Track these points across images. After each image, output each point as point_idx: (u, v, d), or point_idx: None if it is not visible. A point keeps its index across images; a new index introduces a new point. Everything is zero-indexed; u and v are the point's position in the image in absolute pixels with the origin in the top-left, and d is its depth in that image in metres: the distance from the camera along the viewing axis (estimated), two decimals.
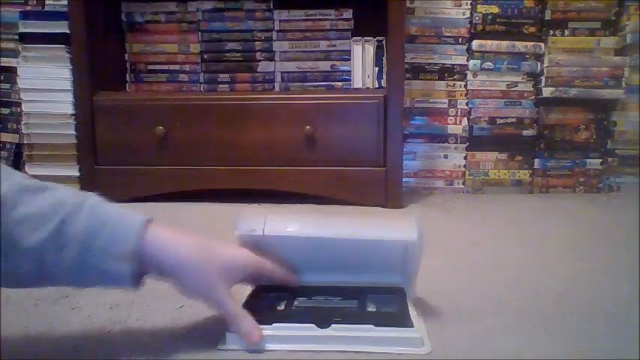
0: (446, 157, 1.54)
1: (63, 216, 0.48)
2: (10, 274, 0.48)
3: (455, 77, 1.51)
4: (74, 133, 1.43)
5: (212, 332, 0.57)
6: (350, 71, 1.47)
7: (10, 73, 1.50)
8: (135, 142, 1.35)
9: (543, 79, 1.48)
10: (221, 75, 1.51)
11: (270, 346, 0.54)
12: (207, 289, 0.53)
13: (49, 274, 0.49)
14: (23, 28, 1.45)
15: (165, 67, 1.52)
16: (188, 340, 0.57)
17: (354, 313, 0.58)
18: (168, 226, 0.54)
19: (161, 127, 1.32)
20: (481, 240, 1.03)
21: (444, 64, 1.51)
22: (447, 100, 1.52)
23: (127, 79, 1.53)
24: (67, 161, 1.45)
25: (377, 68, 1.45)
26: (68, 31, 1.39)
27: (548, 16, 1.48)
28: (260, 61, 1.50)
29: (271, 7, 1.48)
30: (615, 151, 1.52)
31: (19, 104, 1.48)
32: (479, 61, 1.49)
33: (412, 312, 0.59)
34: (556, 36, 1.48)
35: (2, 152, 1.53)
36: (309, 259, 0.62)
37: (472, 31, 1.49)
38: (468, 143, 1.53)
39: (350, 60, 1.47)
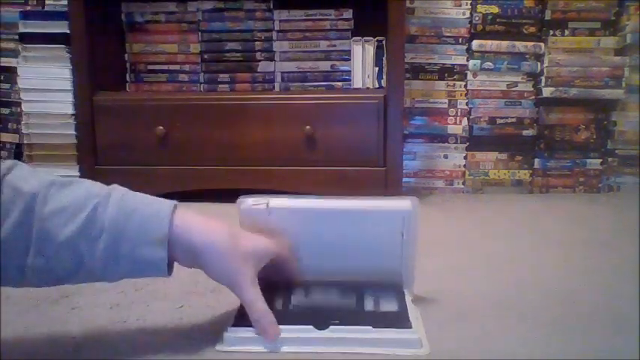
0: (446, 157, 1.54)
1: (93, 206, 0.49)
2: (45, 269, 0.49)
3: (455, 77, 1.51)
4: (74, 133, 1.43)
5: (212, 332, 0.58)
6: (350, 71, 1.47)
7: (10, 73, 1.49)
8: (135, 142, 1.35)
9: (543, 79, 1.48)
10: (221, 75, 1.51)
11: (267, 348, 0.54)
12: (233, 276, 0.53)
13: (83, 267, 0.50)
14: (23, 28, 1.45)
15: (165, 67, 1.52)
16: (188, 340, 0.57)
17: (352, 313, 0.58)
18: (194, 210, 0.54)
19: (161, 127, 1.32)
20: (481, 240, 1.03)
21: (444, 64, 1.51)
22: (447, 100, 1.52)
23: (127, 79, 1.53)
24: (67, 161, 1.45)
25: (377, 68, 1.45)
26: (68, 31, 1.39)
27: (548, 16, 1.48)
28: (260, 61, 1.50)
29: (271, 7, 1.48)
30: (615, 151, 1.52)
31: (19, 104, 1.48)
32: (479, 61, 1.49)
33: (411, 311, 0.59)
34: (556, 36, 1.48)
35: (2, 152, 1.53)
36: (312, 233, 0.62)
37: (472, 31, 1.49)
38: (468, 143, 1.53)
39: (350, 60, 1.47)
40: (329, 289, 0.62)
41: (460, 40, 1.50)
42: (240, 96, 1.42)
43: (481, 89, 1.51)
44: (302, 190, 1.31)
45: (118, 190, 0.52)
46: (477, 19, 1.48)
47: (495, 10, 1.48)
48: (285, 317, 0.56)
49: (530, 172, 1.53)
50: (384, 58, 1.44)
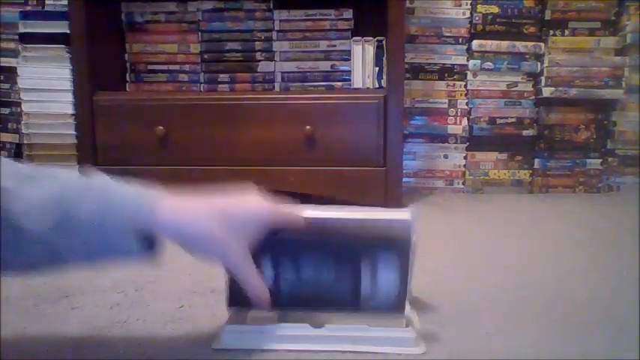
0: (446, 157, 1.54)
1: (70, 201, 0.48)
2: (22, 261, 0.48)
3: (455, 77, 1.51)
4: (74, 133, 1.43)
5: (212, 332, 0.57)
6: (350, 71, 1.47)
7: (10, 73, 1.50)
8: (135, 142, 1.35)
9: (543, 79, 1.48)
10: (221, 75, 1.51)
11: (263, 346, 0.54)
12: (223, 256, 0.52)
13: (61, 259, 0.49)
14: (23, 28, 1.45)
15: (165, 67, 1.52)
16: (187, 340, 0.57)
17: (347, 302, 0.55)
18: (177, 196, 0.53)
19: (161, 127, 1.32)
20: (481, 240, 1.03)
21: (444, 64, 1.51)
22: (447, 100, 1.52)
23: (127, 79, 1.53)
24: (67, 161, 1.45)
25: (377, 68, 1.45)
26: (68, 31, 1.39)
27: (548, 16, 1.48)
28: (260, 61, 1.50)
29: (271, 7, 1.48)
30: (615, 151, 1.52)
31: (19, 104, 1.48)
32: (479, 61, 1.49)
33: (408, 308, 0.58)
34: (556, 36, 1.48)
35: (2, 152, 1.53)
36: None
37: (472, 31, 1.49)
38: (468, 143, 1.53)
39: (350, 60, 1.47)
40: (322, 263, 0.57)
41: (460, 40, 1.50)
42: (240, 96, 1.42)
43: (481, 89, 1.51)
44: (302, 190, 1.31)
45: (97, 181, 0.51)
46: (476, 19, 1.48)
47: (495, 10, 1.48)
48: (276, 305, 0.55)
49: (530, 172, 1.53)
50: (384, 58, 1.44)
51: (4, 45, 1.49)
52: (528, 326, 0.61)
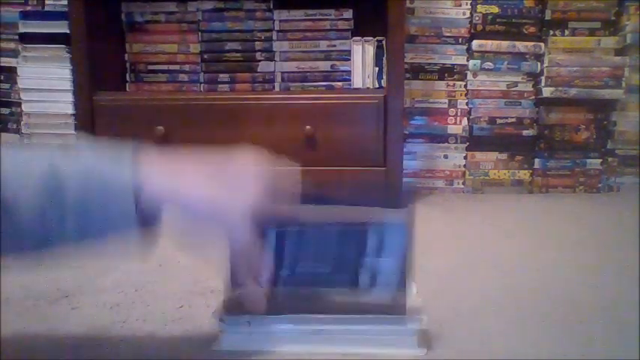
0: (446, 157, 1.54)
1: (59, 176, 0.46)
2: (14, 238, 0.47)
3: (455, 77, 1.51)
4: (74, 133, 1.43)
5: (212, 332, 0.57)
6: (350, 71, 1.47)
7: (10, 73, 1.50)
8: (135, 142, 1.34)
9: (543, 79, 1.48)
10: (221, 75, 1.51)
11: (263, 347, 0.54)
12: (223, 219, 0.50)
13: (53, 238, 0.48)
14: (23, 28, 1.45)
15: (165, 67, 1.52)
16: (188, 340, 0.57)
17: (346, 301, 0.54)
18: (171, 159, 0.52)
19: (161, 127, 1.32)
20: (481, 240, 1.03)
21: (444, 64, 1.51)
22: (447, 100, 1.52)
23: (127, 79, 1.53)
24: None
25: (377, 68, 1.45)
26: (68, 31, 1.39)
27: (548, 16, 1.48)
28: (260, 61, 1.50)
29: (271, 7, 1.48)
30: (615, 151, 1.52)
31: (19, 104, 1.48)
32: (479, 61, 1.49)
33: (410, 300, 0.58)
34: (556, 36, 1.48)
35: None
36: None
37: (472, 31, 1.49)
38: (468, 143, 1.53)
39: (350, 60, 1.47)
40: (321, 257, 0.56)
41: (460, 40, 1.50)
42: (240, 96, 1.42)
43: (481, 89, 1.51)
44: (302, 190, 1.31)
45: (83, 155, 0.50)
46: (477, 19, 1.48)
47: (495, 10, 1.48)
48: (272, 305, 0.54)
49: (530, 172, 1.53)
50: (384, 58, 1.44)
51: (4, 45, 1.49)
52: (528, 326, 0.61)
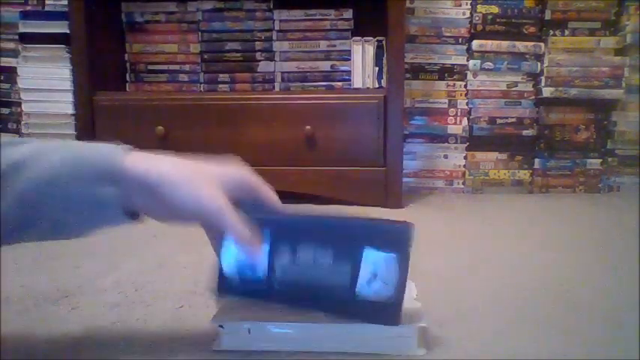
0: (446, 157, 1.54)
1: (39, 160, 0.46)
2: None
3: (455, 77, 1.51)
4: (74, 133, 1.43)
5: (212, 333, 0.57)
6: (350, 71, 1.47)
7: (10, 73, 1.50)
8: (135, 142, 1.34)
9: (543, 79, 1.48)
10: (221, 75, 1.51)
11: (259, 346, 0.54)
12: (201, 201, 0.47)
13: (35, 215, 0.46)
14: (23, 28, 1.45)
15: (165, 67, 1.52)
16: (187, 340, 0.57)
17: (343, 298, 0.51)
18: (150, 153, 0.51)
19: (161, 127, 1.32)
20: (481, 240, 1.03)
21: (444, 64, 1.51)
22: (447, 100, 1.52)
23: (127, 79, 1.53)
24: None
25: (377, 68, 1.45)
26: (68, 31, 1.39)
27: (548, 16, 1.48)
28: (260, 61, 1.50)
29: (271, 7, 1.48)
30: (615, 151, 1.52)
31: (19, 104, 1.48)
32: (479, 61, 1.49)
33: (410, 303, 0.58)
34: (556, 36, 1.48)
35: None
36: None
37: (472, 31, 1.49)
38: (467, 143, 1.53)
39: (350, 60, 1.47)
40: (319, 249, 0.52)
41: (460, 40, 1.50)
42: (240, 96, 1.42)
43: (481, 89, 1.51)
44: (302, 190, 1.31)
45: (63, 142, 0.50)
46: (477, 19, 1.48)
47: (495, 10, 1.48)
48: (269, 296, 0.52)
49: (530, 172, 1.53)
50: (384, 58, 1.44)
51: (4, 45, 1.49)
52: (528, 326, 0.61)
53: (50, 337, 0.59)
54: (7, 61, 1.50)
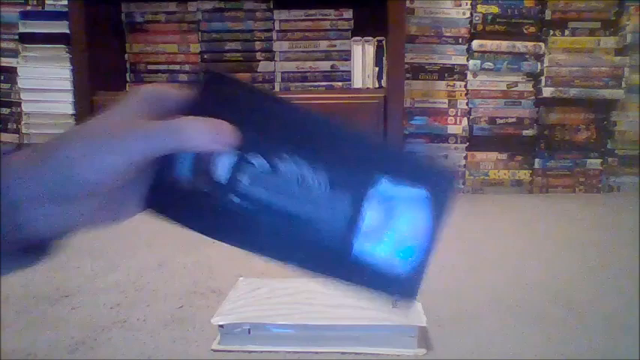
0: (446, 157, 1.53)
1: None
2: None
3: (455, 77, 1.51)
4: None
5: (212, 333, 0.57)
6: (350, 71, 1.47)
7: (10, 73, 1.50)
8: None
9: (543, 79, 1.48)
10: None
11: (259, 346, 0.54)
12: (135, 140, 0.31)
13: None
14: (23, 28, 1.45)
15: (165, 67, 1.52)
16: (187, 341, 0.57)
17: (337, 246, 0.32)
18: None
19: None
20: (481, 240, 1.03)
21: (444, 64, 1.50)
22: (446, 100, 1.52)
23: (127, 79, 1.53)
24: None
25: (377, 68, 1.45)
26: (68, 31, 1.39)
27: (548, 16, 1.48)
28: (260, 61, 1.50)
29: (271, 7, 1.48)
30: (615, 151, 1.52)
31: (19, 104, 1.48)
32: (479, 61, 1.49)
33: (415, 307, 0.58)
34: (556, 36, 1.48)
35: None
36: None
37: (472, 31, 1.49)
38: (467, 143, 1.53)
39: (350, 60, 1.47)
40: (305, 162, 0.32)
41: (460, 40, 1.50)
42: None
43: (481, 89, 1.51)
44: None
45: None
46: (477, 19, 1.48)
47: (495, 10, 1.48)
48: (223, 211, 0.33)
49: (530, 172, 1.53)
50: (384, 58, 1.44)
51: (4, 45, 1.49)
52: (528, 326, 0.61)
53: (50, 337, 0.59)
54: (7, 61, 1.49)
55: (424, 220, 0.32)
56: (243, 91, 0.34)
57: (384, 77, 1.43)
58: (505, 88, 1.51)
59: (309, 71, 1.49)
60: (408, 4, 1.45)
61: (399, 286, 0.33)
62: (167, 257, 0.87)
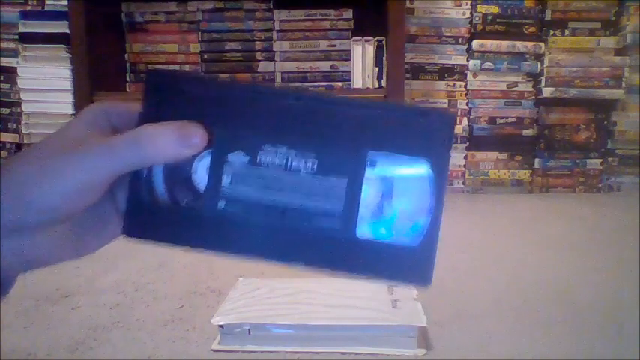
0: None
1: None
2: None
3: (455, 77, 1.51)
4: None
5: (212, 332, 0.57)
6: (350, 71, 1.47)
7: (10, 73, 1.50)
8: None
9: (543, 79, 1.48)
10: (221, 75, 1.51)
11: (259, 346, 0.54)
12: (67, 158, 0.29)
13: None
14: (23, 28, 1.45)
15: (165, 67, 1.52)
16: (187, 340, 0.57)
17: (335, 233, 0.29)
18: None
19: None
20: (481, 240, 1.03)
21: (444, 64, 1.51)
22: (446, 100, 1.52)
23: (127, 79, 1.53)
24: None
25: (377, 68, 1.45)
26: (68, 31, 1.39)
27: (548, 16, 1.48)
28: (260, 61, 1.50)
29: (271, 7, 1.48)
30: (615, 151, 1.52)
31: (19, 104, 1.48)
32: (479, 61, 1.49)
33: (410, 303, 0.58)
34: (556, 36, 1.48)
35: (2, 152, 1.53)
36: None
37: (472, 31, 1.49)
38: (467, 143, 1.53)
39: (350, 60, 1.47)
40: (290, 148, 0.29)
41: (460, 40, 1.50)
42: None
43: (481, 89, 1.51)
44: None
45: None
46: (477, 19, 1.48)
47: (495, 10, 1.48)
48: (209, 222, 0.30)
49: (530, 172, 1.53)
50: (384, 58, 1.44)
51: (4, 45, 1.49)
52: (529, 326, 0.61)
53: (50, 337, 0.59)
54: (7, 61, 1.49)
55: (426, 192, 0.30)
56: (195, 83, 0.31)
57: (384, 77, 1.43)
58: (505, 88, 1.51)
59: (309, 71, 1.49)
60: (408, 4, 1.45)
61: (412, 269, 0.31)
62: (167, 257, 0.87)
